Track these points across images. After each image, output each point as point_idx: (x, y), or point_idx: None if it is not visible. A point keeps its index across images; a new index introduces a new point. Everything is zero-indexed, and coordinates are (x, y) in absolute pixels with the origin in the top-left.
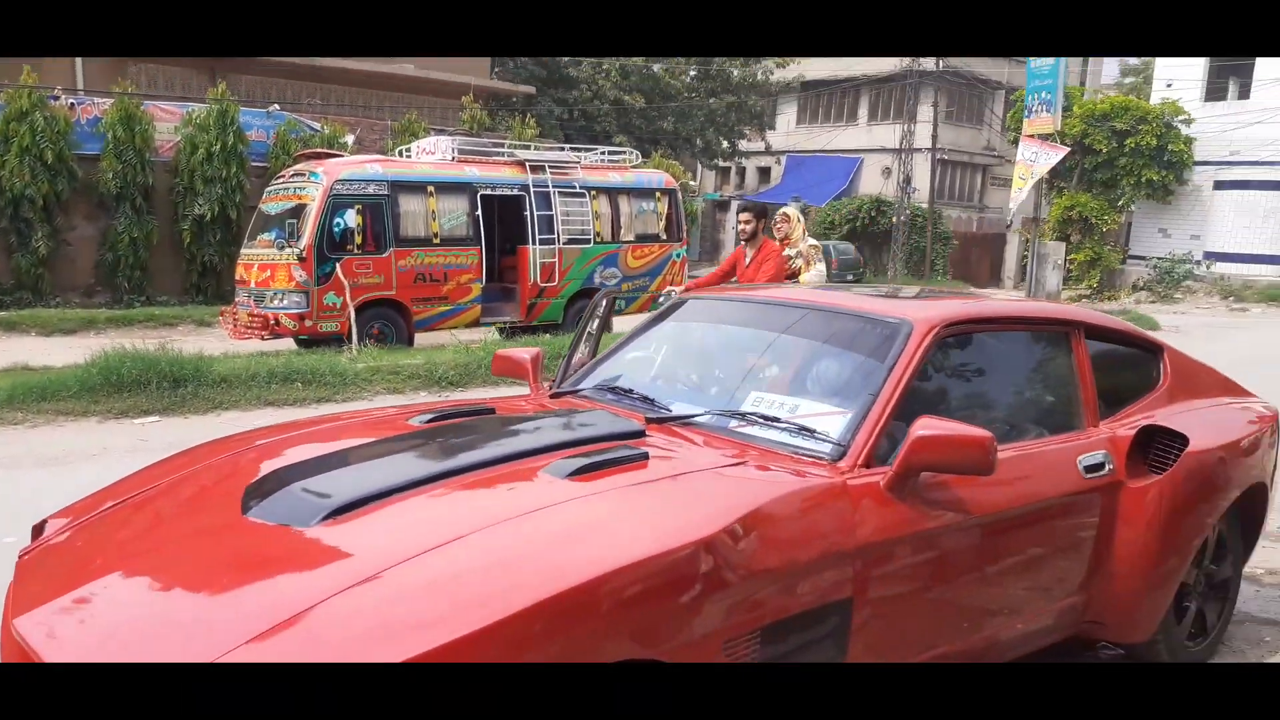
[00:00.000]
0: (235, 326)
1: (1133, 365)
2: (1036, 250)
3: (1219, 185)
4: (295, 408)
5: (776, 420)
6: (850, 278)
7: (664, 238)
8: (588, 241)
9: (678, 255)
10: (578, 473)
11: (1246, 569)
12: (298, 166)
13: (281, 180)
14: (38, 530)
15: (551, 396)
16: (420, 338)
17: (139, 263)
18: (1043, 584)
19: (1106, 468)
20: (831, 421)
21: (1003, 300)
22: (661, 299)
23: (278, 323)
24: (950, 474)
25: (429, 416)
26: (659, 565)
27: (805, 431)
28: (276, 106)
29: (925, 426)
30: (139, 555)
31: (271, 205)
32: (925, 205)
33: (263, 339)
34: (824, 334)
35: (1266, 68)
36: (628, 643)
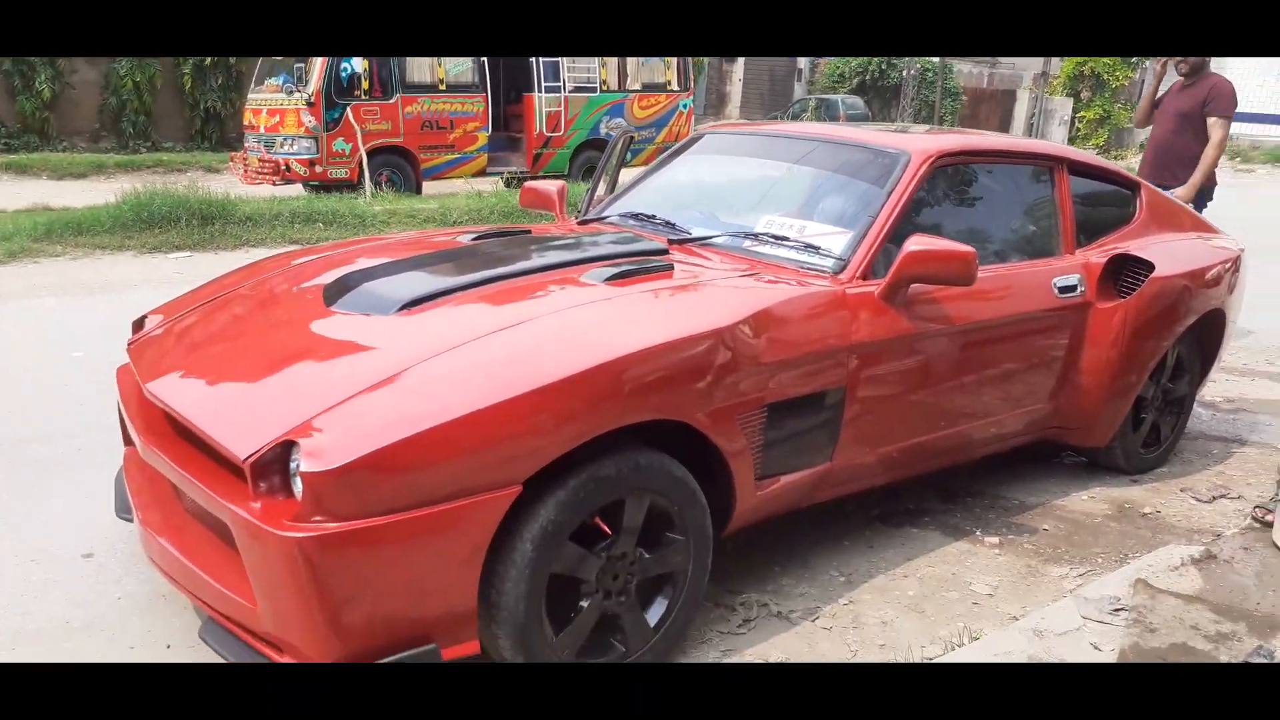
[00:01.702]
0: (246, 171)
1: (1111, 201)
2: (1043, 105)
3: None
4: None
5: (785, 239)
6: None
7: (672, 87)
8: (594, 90)
9: (684, 106)
10: (613, 278)
11: (1206, 398)
12: None
13: None
14: (138, 325)
15: (579, 224)
16: (427, 186)
17: (143, 108)
18: (1016, 391)
19: (1079, 290)
20: (835, 240)
21: (995, 135)
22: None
23: (289, 168)
24: (937, 285)
25: (474, 235)
26: (683, 347)
27: (810, 249)
28: None
29: (916, 242)
30: (242, 336)
31: None
32: (935, 60)
33: (274, 184)
34: (831, 164)
35: None
36: (657, 409)
